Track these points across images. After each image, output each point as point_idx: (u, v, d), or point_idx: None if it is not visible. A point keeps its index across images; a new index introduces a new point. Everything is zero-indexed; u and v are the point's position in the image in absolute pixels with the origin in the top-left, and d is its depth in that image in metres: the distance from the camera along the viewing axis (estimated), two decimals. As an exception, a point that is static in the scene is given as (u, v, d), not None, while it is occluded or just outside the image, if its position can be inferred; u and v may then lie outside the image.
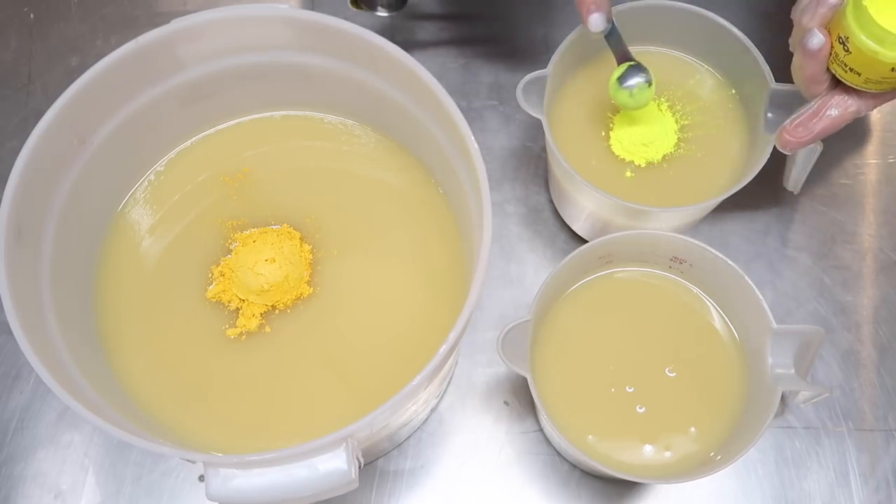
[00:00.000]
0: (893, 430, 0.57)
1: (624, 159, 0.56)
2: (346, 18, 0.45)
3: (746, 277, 0.49)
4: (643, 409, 0.50)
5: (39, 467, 0.55)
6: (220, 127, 0.53)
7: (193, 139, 0.53)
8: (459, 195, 0.47)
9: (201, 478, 0.55)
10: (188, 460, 0.39)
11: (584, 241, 0.56)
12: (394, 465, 0.55)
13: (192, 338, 0.48)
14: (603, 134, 0.57)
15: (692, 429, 0.49)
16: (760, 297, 0.48)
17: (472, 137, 0.42)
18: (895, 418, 0.57)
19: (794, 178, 0.57)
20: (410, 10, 0.63)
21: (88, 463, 0.55)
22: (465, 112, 0.43)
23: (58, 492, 0.55)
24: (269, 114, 0.54)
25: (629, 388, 0.50)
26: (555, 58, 0.54)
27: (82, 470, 0.55)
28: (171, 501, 0.55)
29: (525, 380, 0.47)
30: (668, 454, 0.49)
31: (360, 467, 0.38)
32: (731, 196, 0.52)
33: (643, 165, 0.56)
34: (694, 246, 0.50)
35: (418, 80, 0.44)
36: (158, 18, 0.68)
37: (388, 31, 0.68)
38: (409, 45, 0.67)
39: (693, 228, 0.61)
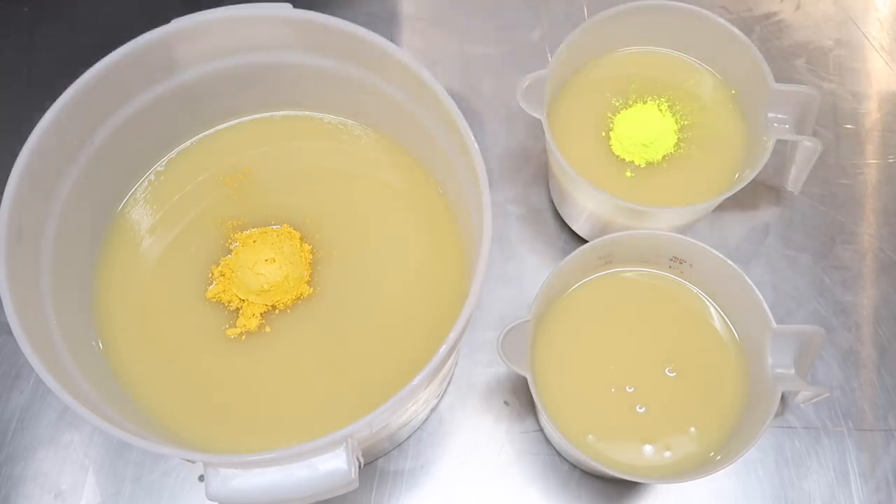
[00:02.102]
0: (893, 430, 0.57)
1: (624, 159, 0.56)
2: (345, 19, 0.45)
3: (746, 277, 0.49)
4: (643, 409, 0.50)
5: (39, 467, 0.55)
6: (220, 127, 0.53)
7: (193, 139, 0.53)
8: (459, 195, 0.47)
9: (201, 478, 0.55)
10: (188, 460, 0.39)
11: (584, 241, 0.56)
12: (394, 465, 0.55)
13: (192, 338, 0.48)
14: (603, 134, 0.57)
15: (692, 429, 0.49)
16: (760, 297, 0.48)
17: (472, 137, 0.42)
18: (895, 418, 0.57)
19: (794, 177, 0.57)
20: (411, 9, 0.63)
21: (88, 463, 0.55)
22: (465, 112, 0.43)
23: (58, 492, 0.55)
24: (269, 114, 0.54)
25: (629, 388, 0.50)
26: (555, 58, 0.54)
27: (82, 470, 0.55)
28: (171, 501, 0.55)
29: (525, 380, 0.47)
30: (668, 454, 0.49)
31: (360, 467, 0.38)
32: (731, 196, 0.52)
33: (643, 165, 0.56)
34: (694, 246, 0.50)
35: (418, 80, 0.44)
36: (158, 19, 0.68)
37: (389, 32, 0.68)
38: (409, 46, 0.67)
39: (693, 228, 0.61)
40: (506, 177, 0.63)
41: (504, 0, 0.69)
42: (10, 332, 0.38)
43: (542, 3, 0.69)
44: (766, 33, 0.68)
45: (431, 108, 0.45)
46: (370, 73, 0.48)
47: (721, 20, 0.55)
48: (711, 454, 0.49)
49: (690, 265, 0.52)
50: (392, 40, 0.44)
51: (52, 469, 0.55)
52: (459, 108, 0.43)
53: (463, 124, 0.42)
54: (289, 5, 0.45)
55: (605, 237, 0.50)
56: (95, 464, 0.55)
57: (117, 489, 0.55)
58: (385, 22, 0.68)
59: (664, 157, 0.56)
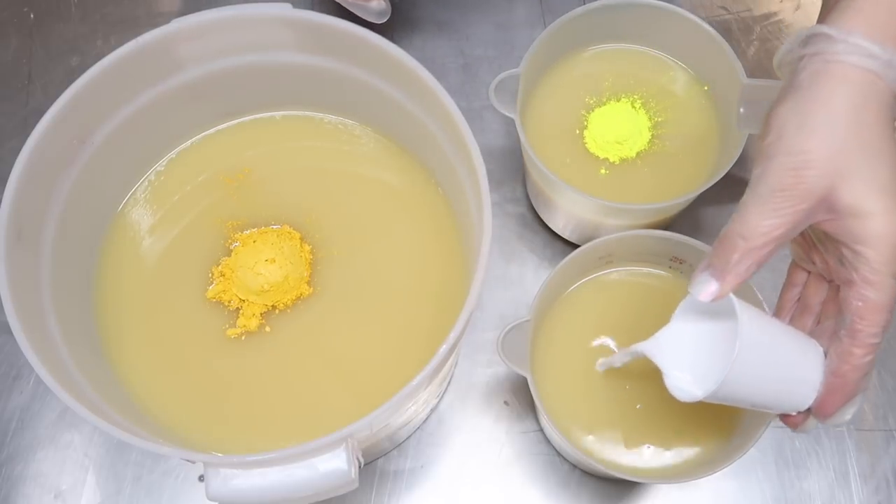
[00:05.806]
0: (893, 430, 0.57)
1: (598, 157, 0.56)
2: (345, 18, 0.45)
3: (746, 277, 0.48)
4: (643, 408, 0.50)
5: (39, 467, 0.55)
6: (220, 127, 0.53)
7: (193, 139, 0.53)
8: (459, 195, 0.47)
9: (201, 478, 0.55)
10: (188, 460, 0.39)
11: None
12: (394, 465, 0.55)
13: (192, 338, 0.48)
14: (577, 132, 0.57)
15: (692, 429, 0.49)
16: (760, 297, 0.48)
17: (472, 137, 0.42)
18: (895, 418, 0.57)
19: None
20: (410, 10, 0.63)
21: (88, 463, 0.55)
22: (465, 112, 0.43)
23: (58, 492, 0.55)
24: (269, 114, 0.54)
25: (629, 388, 0.50)
26: (527, 57, 0.54)
27: (82, 470, 0.55)
28: (171, 501, 0.55)
29: (525, 380, 0.47)
30: (668, 454, 0.49)
31: (360, 467, 0.38)
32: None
33: (617, 162, 0.56)
34: (694, 246, 0.50)
35: (418, 81, 0.44)
36: (158, 18, 0.68)
37: (388, 32, 0.68)
38: (409, 46, 0.67)
39: (686, 227, 0.61)
40: (506, 177, 0.63)
41: (503, 0, 0.69)
42: (10, 332, 0.38)
43: (542, 3, 0.69)
44: (766, 33, 0.68)
45: (431, 108, 0.45)
46: (370, 73, 0.48)
47: (693, 17, 0.55)
48: (711, 454, 0.49)
49: (690, 265, 0.52)
50: (391, 40, 0.44)
51: (52, 469, 0.55)
52: (459, 108, 0.43)
53: (463, 124, 0.42)
54: (289, 5, 0.45)
55: (605, 237, 0.50)
56: (95, 464, 0.55)
57: (117, 489, 0.55)
58: (385, 22, 0.68)
59: (638, 153, 0.56)
